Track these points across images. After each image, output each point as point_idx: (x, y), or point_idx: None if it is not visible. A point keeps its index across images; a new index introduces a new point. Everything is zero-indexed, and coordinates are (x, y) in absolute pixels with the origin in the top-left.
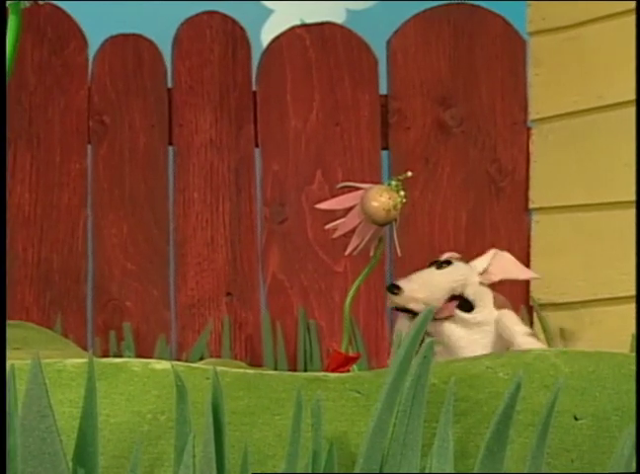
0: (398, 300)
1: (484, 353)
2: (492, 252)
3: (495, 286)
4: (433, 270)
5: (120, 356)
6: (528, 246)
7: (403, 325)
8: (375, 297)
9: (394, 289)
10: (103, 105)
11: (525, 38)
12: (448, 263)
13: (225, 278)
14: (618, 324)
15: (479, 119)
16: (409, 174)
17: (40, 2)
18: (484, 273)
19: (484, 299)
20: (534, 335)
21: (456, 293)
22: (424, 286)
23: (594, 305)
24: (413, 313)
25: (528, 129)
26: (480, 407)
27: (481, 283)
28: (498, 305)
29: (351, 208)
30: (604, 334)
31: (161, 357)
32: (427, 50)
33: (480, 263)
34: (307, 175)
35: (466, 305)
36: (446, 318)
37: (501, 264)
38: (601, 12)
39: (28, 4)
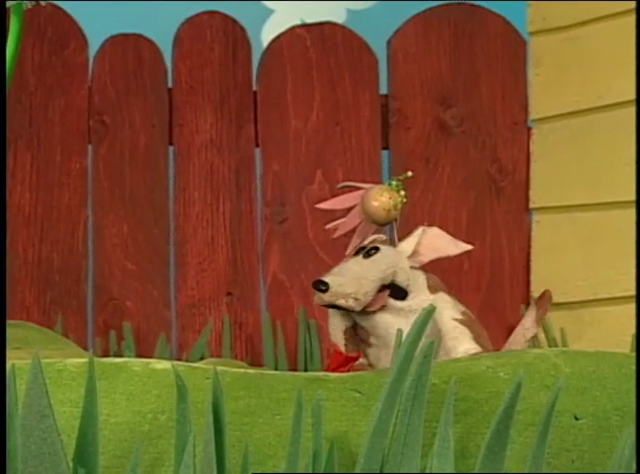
0: (326, 298)
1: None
2: (419, 230)
3: (496, 286)
4: (359, 259)
5: (121, 356)
6: (528, 246)
7: (337, 323)
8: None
9: (321, 286)
10: (103, 105)
11: (526, 37)
12: (376, 249)
13: (225, 278)
14: (618, 324)
15: (479, 119)
16: (409, 174)
17: (42, 3)
18: (413, 254)
19: (417, 284)
20: (467, 317)
21: (387, 282)
22: (352, 280)
23: (594, 305)
24: (343, 309)
25: (529, 129)
26: (480, 407)
27: (412, 267)
28: (432, 288)
29: (351, 208)
30: (604, 334)
31: (161, 357)
32: (427, 50)
33: (408, 244)
34: (307, 175)
35: (399, 293)
36: (380, 309)
37: (429, 242)
38: (601, 12)
39: (29, 5)
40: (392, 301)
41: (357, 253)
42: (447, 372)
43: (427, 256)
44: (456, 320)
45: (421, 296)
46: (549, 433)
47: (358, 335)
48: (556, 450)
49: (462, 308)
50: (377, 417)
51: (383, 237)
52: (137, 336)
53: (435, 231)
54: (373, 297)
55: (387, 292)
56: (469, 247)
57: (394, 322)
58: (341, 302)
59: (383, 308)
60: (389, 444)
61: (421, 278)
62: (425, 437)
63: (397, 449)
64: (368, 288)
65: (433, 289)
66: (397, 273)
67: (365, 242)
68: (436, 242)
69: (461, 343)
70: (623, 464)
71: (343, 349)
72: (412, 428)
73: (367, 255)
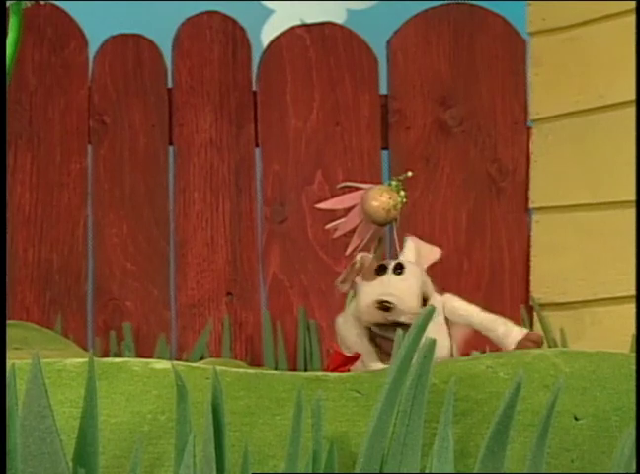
0: (391, 316)
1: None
2: (410, 240)
3: (496, 286)
4: (394, 276)
5: (121, 356)
6: (528, 246)
7: (349, 327)
8: None
9: (386, 305)
10: (103, 105)
11: (525, 37)
12: (401, 266)
13: (225, 278)
14: (618, 324)
15: (479, 119)
16: (409, 174)
17: (42, 2)
18: (417, 263)
19: (429, 289)
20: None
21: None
22: (409, 297)
23: (594, 305)
24: (404, 326)
25: (529, 129)
26: (480, 407)
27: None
28: (437, 290)
29: (351, 208)
30: (604, 334)
31: (161, 357)
32: (427, 50)
33: (409, 253)
34: (307, 175)
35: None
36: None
37: (422, 249)
38: (601, 12)
39: (29, 4)
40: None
41: (379, 271)
42: (447, 372)
43: (427, 260)
44: (481, 310)
45: (436, 299)
46: (549, 433)
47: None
48: (556, 450)
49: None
50: (377, 417)
51: (369, 255)
52: (137, 336)
53: (417, 239)
54: None
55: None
56: (440, 250)
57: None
58: (403, 319)
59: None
60: (389, 444)
61: (429, 284)
62: (424, 438)
63: (397, 449)
64: (418, 303)
65: (438, 291)
66: (425, 283)
67: (356, 260)
68: (424, 249)
69: (510, 326)
70: (623, 464)
71: (374, 358)
72: (412, 428)
73: (399, 272)
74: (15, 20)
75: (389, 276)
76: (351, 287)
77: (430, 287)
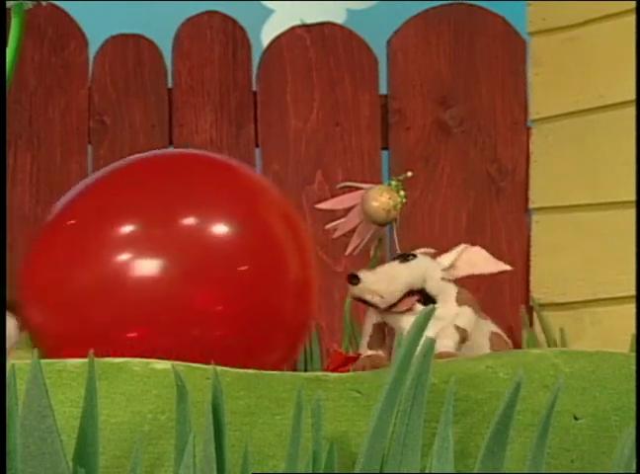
0: (355, 291)
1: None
2: (461, 247)
3: (496, 286)
4: (396, 263)
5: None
6: (528, 246)
7: (370, 316)
8: None
9: (353, 279)
10: (103, 105)
11: (525, 38)
12: (413, 256)
13: None
14: (618, 324)
15: (479, 119)
16: (409, 174)
17: (44, 3)
18: (450, 268)
19: (446, 294)
20: (495, 337)
21: (415, 288)
22: (382, 279)
23: (594, 305)
24: (369, 304)
25: (528, 129)
26: (480, 407)
27: (443, 279)
28: (460, 301)
29: (351, 208)
30: (604, 334)
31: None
32: (427, 50)
33: (447, 258)
34: (307, 175)
35: (428, 300)
36: (407, 311)
37: (468, 258)
38: (601, 12)
39: (30, 4)
40: (419, 307)
41: (395, 258)
42: (447, 372)
43: (462, 270)
44: (456, 341)
45: (447, 305)
46: (549, 433)
47: (384, 332)
48: (556, 450)
49: (493, 327)
50: (377, 417)
51: (431, 250)
52: None
53: (476, 249)
54: (400, 299)
55: (416, 298)
56: (508, 267)
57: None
58: (367, 297)
59: (410, 312)
60: (389, 444)
61: (452, 291)
62: (424, 437)
63: (397, 449)
64: (395, 289)
65: (460, 302)
66: (427, 281)
67: (416, 251)
68: (474, 258)
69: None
70: (623, 464)
71: (365, 341)
72: (412, 428)
73: (404, 260)
74: (16, 20)
75: (394, 262)
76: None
77: (443, 291)
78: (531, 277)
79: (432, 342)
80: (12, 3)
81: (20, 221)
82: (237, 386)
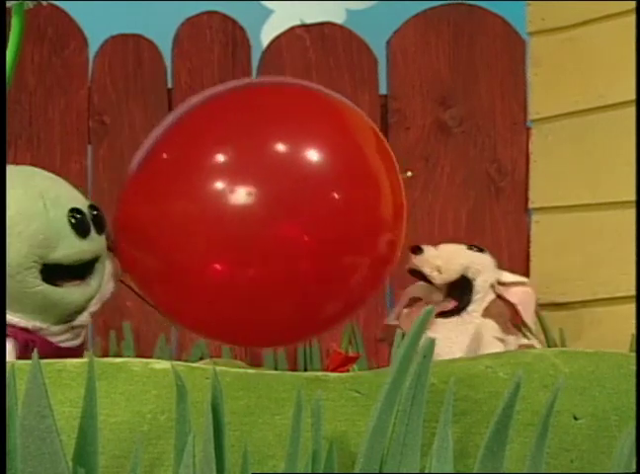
0: (416, 261)
1: (458, 349)
2: (526, 280)
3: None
4: (463, 246)
5: (120, 356)
6: (528, 246)
7: (413, 289)
8: (375, 297)
9: (416, 250)
10: (103, 105)
11: (525, 38)
12: (482, 250)
13: None
14: (618, 324)
15: (479, 119)
16: (409, 174)
17: (44, 3)
18: (505, 285)
19: (480, 300)
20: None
21: (468, 275)
22: (443, 255)
23: (593, 305)
24: (424, 279)
25: (528, 129)
26: (480, 407)
27: (492, 286)
28: (485, 312)
29: None
30: (604, 334)
31: (161, 357)
32: (427, 50)
33: (509, 277)
34: None
35: (466, 297)
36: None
37: (522, 291)
38: (601, 12)
39: (30, 4)
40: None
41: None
42: (447, 372)
43: (509, 295)
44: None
45: (472, 314)
46: (548, 432)
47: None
48: (555, 450)
49: (523, 341)
50: (377, 417)
51: (524, 279)
52: (137, 336)
53: (532, 293)
54: (444, 302)
55: (453, 304)
56: (533, 327)
57: (442, 330)
58: (427, 270)
59: (438, 316)
60: (388, 444)
61: (488, 299)
62: (424, 437)
63: (396, 449)
64: (452, 268)
65: (485, 314)
66: (477, 277)
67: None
68: (525, 298)
69: None
70: (622, 464)
71: (397, 310)
72: (411, 428)
73: (472, 248)
74: (17, 21)
75: (461, 245)
76: None
77: (483, 295)
78: (531, 278)
79: (432, 342)
80: (12, 3)
81: None
82: (237, 386)
